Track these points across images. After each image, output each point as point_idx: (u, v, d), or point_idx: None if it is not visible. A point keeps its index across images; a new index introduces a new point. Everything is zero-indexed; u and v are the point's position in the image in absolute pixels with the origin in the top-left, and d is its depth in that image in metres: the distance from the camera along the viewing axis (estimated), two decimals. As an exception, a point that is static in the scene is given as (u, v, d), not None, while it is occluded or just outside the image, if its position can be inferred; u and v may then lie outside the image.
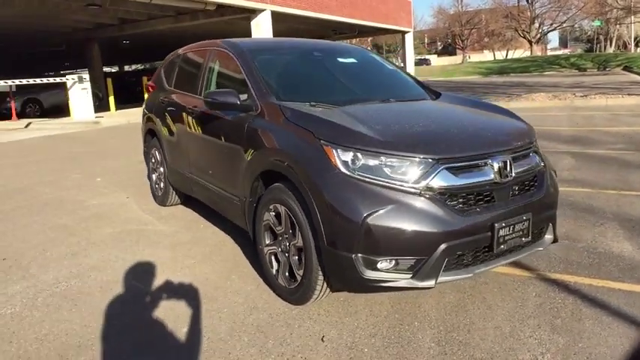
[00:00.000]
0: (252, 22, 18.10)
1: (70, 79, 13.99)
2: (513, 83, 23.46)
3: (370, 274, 2.50)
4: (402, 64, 33.16)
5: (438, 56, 72.88)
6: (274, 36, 19.02)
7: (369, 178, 2.52)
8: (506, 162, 2.69)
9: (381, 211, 2.46)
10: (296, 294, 2.89)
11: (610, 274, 3.26)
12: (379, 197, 2.49)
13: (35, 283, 3.45)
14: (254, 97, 3.31)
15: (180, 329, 2.77)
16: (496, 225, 2.58)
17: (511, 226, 2.65)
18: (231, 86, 3.63)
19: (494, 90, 19.05)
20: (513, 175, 2.72)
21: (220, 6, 17.29)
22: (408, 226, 2.45)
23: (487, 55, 63.00)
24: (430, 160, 2.55)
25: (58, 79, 14.85)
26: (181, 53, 4.83)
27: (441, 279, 2.53)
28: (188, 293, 3.21)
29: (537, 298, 3.00)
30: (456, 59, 60.40)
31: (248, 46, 3.81)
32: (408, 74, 4.16)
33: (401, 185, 2.50)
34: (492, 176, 2.65)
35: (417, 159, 2.54)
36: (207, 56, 4.17)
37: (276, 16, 18.79)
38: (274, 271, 3.07)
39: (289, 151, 2.83)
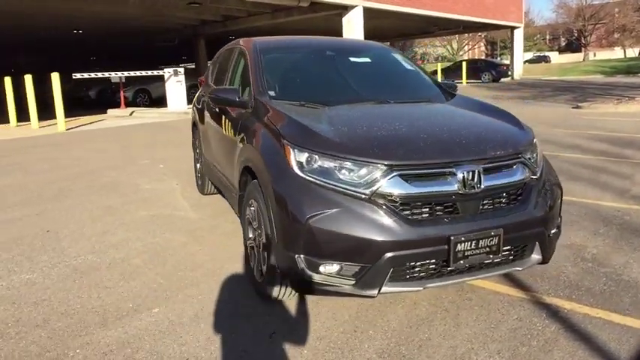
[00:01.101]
0: (343, 19, 18.25)
1: (166, 73, 15.21)
2: (635, 84, 21.08)
3: (313, 277, 2.48)
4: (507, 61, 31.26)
5: (560, 53, 67.36)
6: (367, 33, 19.01)
7: (319, 180, 2.49)
8: (474, 172, 2.50)
9: (326, 214, 2.43)
10: (262, 289, 2.94)
11: (617, 306, 2.88)
12: (326, 200, 2.46)
13: (59, 255, 3.89)
14: (252, 94, 3.41)
15: (150, 310, 2.97)
16: (452, 238, 2.42)
17: (473, 242, 2.46)
18: (244, 83, 3.76)
19: (609, 91, 17.31)
20: (482, 187, 2.52)
21: (313, 3, 17.65)
22: (352, 231, 2.38)
23: (617, 53, 56.83)
24: (382, 166, 2.45)
25: (157, 72, 16.21)
26: (221, 51, 5.08)
27: (385, 289, 2.44)
28: (176, 277, 3.41)
29: (516, 321, 2.75)
30: (579, 57, 55.34)
31: (262, 44, 3.91)
32: (429, 76, 3.98)
33: (350, 189, 2.44)
34: (456, 187, 2.48)
35: (370, 164, 2.46)
36: (233, 54, 4.35)
37: (369, 13, 18.75)
38: (252, 265, 3.15)
39: (259, 149, 2.89)
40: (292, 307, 2.95)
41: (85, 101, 20.56)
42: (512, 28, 30.64)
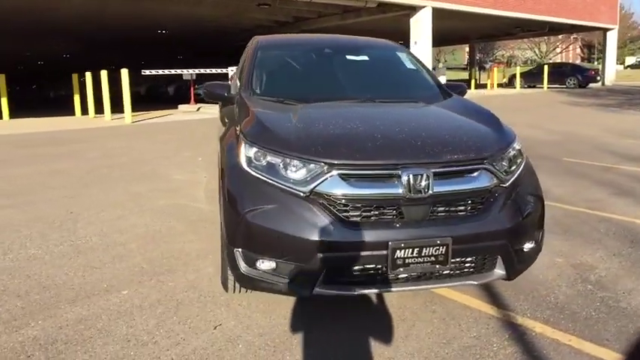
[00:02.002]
0: (411, 20, 17.90)
1: (230, 71, 15.75)
2: None
3: (249, 272, 2.46)
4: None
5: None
6: (440, 34, 18.52)
7: (263, 175, 2.47)
8: (421, 176, 2.35)
9: (263, 209, 2.41)
10: (222, 282, 2.98)
11: (597, 335, 2.58)
12: (266, 195, 2.44)
13: (69, 235, 4.18)
14: (239, 90, 3.46)
15: (119, 291, 3.11)
16: (391, 244, 2.30)
17: (415, 249, 2.32)
18: (241, 79, 3.82)
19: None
20: (430, 192, 2.36)
21: (381, 4, 17.49)
22: (286, 228, 2.34)
23: None
24: (323, 165, 2.38)
25: (223, 71, 16.85)
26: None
27: (318, 290, 2.36)
28: (159, 263, 3.54)
29: (472, 339, 2.55)
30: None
31: (264, 41, 3.96)
32: (432, 76, 3.80)
33: (289, 187, 2.40)
34: (401, 190, 2.35)
35: (311, 162, 2.40)
36: (246, 51, 4.43)
37: (438, 14, 18.24)
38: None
39: (225, 144, 2.92)
40: (251, 302, 2.95)
41: (164, 97, 21.87)
42: (605, 30, 28.36)
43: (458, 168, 2.46)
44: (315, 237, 2.30)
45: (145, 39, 25.41)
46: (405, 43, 19.91)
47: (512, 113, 14.48)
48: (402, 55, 3.97)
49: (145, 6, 16.19)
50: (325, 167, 2.37)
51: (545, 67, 27.35)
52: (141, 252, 3.79)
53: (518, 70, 28.12)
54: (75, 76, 14.62)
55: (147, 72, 14.60)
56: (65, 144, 9.44)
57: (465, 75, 37.07)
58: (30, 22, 19.15)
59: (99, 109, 14.36)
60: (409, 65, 3.87)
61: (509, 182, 2.59)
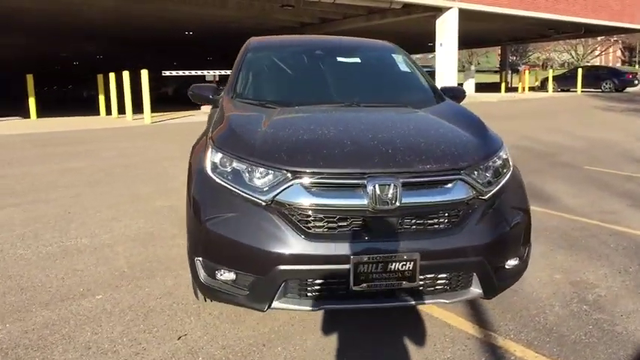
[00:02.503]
0: (437, 21, 17.57)
1: (207, 74, 15.75)
2: None
3: (209, 282, 2.37)
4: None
5: None
6: (468, 36, 18.13)
7: (225, 182, 2.38)
8: (389, 187, 2.21)
9: (222, 218, 2.31)
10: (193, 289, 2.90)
11: (583, 361, 2.38)
12: (227, 203, 2.34)
13: (61, 235, 4.19)
14: (224, 92, 3.39)
15: (94, 295, 3.07)
16: (353, 258, 2.16)
17: (379, 264, 2.17)
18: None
19: None
20: (397, 204, 2.22)
21: (406, 5, 17.25)
22: (243, 238, 2.23)
23: None
24: (285, 172, 2.27)
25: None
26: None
27: (277, 304, 2.25)
28: (140, 267, 3.48)
29: (444, 361, 2.39)
30: None
31: (256, 43, 3.86)
32: (427, 79, 3.63)
33: (250, 195, 2.29)
34: (366, 201, 2.21)
35: (273, 169, 2.29)
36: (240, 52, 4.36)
37: (465, 15, 17.86)
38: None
39: (196, 149, 2.85)
40: (223, 312, 2.86)
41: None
42: (645, 33, 27.20)
43: (430, 178, 2.29)
44: (272, 248, 2.19)
45: (172, 40, 25.84)
46: (432, 44, 19.57)
47: (538, 118, 14.02)
48: (398, 57, 3.81)
49: (171, 8, 16.43)
50: (288, 175, 2.26)
51: (579, 70, 26.42)
52: (126, 255, 3.75)
53: (550, 73, 27.27)
54: (100, 77, 14.94)
55: (167, 73, 14.79)
56: (83, 143, 9.62)
57: (497, 78, 36.22)
58: (62, 23, 19.75)
59: (122, 110, 14.61)
60: (403, 68, 3.70)
61: (490, 194, 2.41)
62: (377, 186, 2.20)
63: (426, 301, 2.32)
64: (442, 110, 3.10)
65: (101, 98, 15.08)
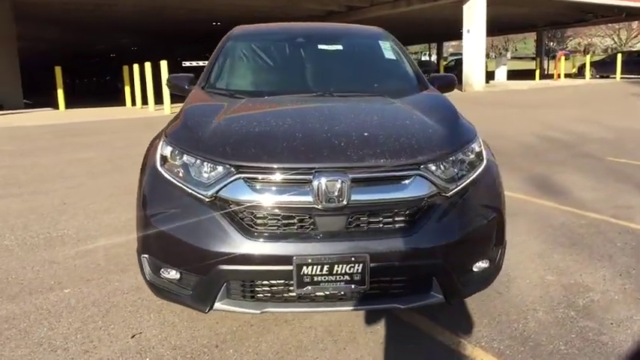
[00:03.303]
0: (464, 6, 16.98)
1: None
2: None
3: (154, 280, 2.27)
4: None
5: None
6: (499, 21, 17.49)
7: (172, 176, 2.27)
8: (336, 183, 2.04)
9: (167, 214, 2.20)
10: None
11: (555, 375, 2.17)
12: (171, 199, 2.23)
13: (50, 227, 4.21)
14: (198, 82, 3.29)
15: (62, 290, 3.04)
16: (295, 259, 2.02)
17: (325, 266, 2.02)
18: None
19: None
20: (345, 202, 2.05)
21: (432, -10, 16.76)
22: (184, 235, 2.12)
23: None
24: (228, 167, 2.13)
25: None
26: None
27: (219, 306, 2.13)
28: (116, 261, 3.44)
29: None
30: None
31: (238, 31, 3.73)
32: (413, 67, 3.41)
33: (194, 190, 2.18)
34: (312, 198, 2.06)
35: (216, 163, 2.16)
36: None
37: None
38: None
39: (152, 142, 2.75)
40: (184, 308, 2.76)
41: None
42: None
43: (383, 174, 2.11)
44: (212, 247, 2.06)
45: (201, 32, 26.03)
46: (459, 31, 18.97)
47: (569, 106, 13.39)
48: (385, 44, 3.59)
49: None
50: (231, 169, 2.13)
51: (619, 56, 25.12)
52: (107, 248, 3.72)
53: (588, 59, 26.07)
54: (125, 69, 15.18)
55: (187, 64, 14.88)
56: (99, 134, 9.75)
57: (533, 65, 34.95)
58: (96, 17, 20.18)
59: (146, 100, 14.80)
60: (388, 55, 3.49)
61: (454, 191, 2.21)
62: (323, 182, 2.04)
63: (378, 306, 2.16)
64: (418, 100, 2.90)
65: (127, 89, 15.34)
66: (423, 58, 54.20)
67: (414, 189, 2.13)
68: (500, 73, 25.25)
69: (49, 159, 7.21)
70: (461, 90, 19.24)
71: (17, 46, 16.87)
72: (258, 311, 2.11)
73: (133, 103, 15.33)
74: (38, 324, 2.66)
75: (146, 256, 2.28)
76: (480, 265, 2.30)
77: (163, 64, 12.78)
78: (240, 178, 2.10)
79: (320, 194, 2.04)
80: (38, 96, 18.90)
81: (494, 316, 2.67)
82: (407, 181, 2.14)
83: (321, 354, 2.34)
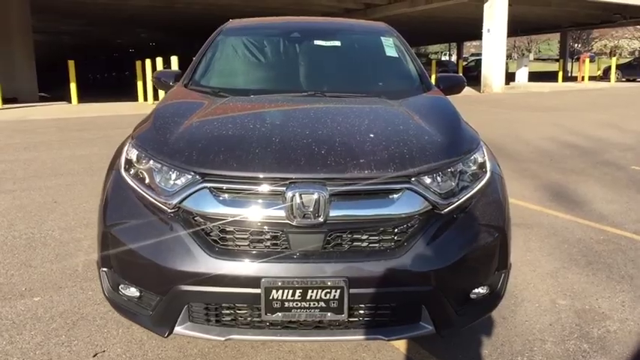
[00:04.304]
0: (485, 5, 16.52)
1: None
2: None
3: (113, 296, 2.05)
4: None
5: None
6: (519, 21, 16.98)
7: (135, 183, 2.04)
8: (312, 196, 1.79)
9: (125, 225, 1.98)
10: None
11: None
12: (133, 207, 2.00)
13: (36, 226, 4.02)
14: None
15: (32, 297, 2.84)
16: (264, 281, 1.77)
17: (297, 291, 1.77)
18: None
19: None
20: (322, 218, 1.80)
21: (452, -12, 16.34)
22: (143, 250, 1.88)
23: None
24: (193, 175, 1.90)
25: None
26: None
27: (179, 330, 1.89)
28: (94, 267, 3.22)
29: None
30: None
31: (231, 25, 3.50)
32: (417, 67, 3.13)
33: (156, 200, 1.94)
34: (284, 213, 1.81)
35: (180, 170, 1.92)
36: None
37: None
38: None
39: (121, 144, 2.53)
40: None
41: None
42: None
43: (367, 187, 1.85)
44: (173, 265, 1.82)
45: (215, 27, 25.95)
46: (480, 31, 18.50)
47: (591, 110, 12.89)
48: (387, 41, 3.31)
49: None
50: (196, 177, 1.89)
51: (646, 59, 24.32)
52: (89, 252, 3.52)
53: (613, 62, 25.27)
54: (138, 64, 15.09)
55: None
56: (104, 129, 9.63)
57: (557, 67, 34.10)
58: (111, 11, 20.23)
59: (157, 96, 14.70)
60: (390, 52, 3.21)
61: (450, 208, 1.94)
62: (298, 195, 1.79)
63: (358, 337, 1.89)
64: (418, 103, 2.63)
65: (139, 84, 15.26)
66: (443, 58, 53.49)
67: (403, 205, 1.86)
68: (522, 74, 24.64)
69: (48, 154, 7.08)
70: (479, 91, 18.78)
71: (36, 40, 16.97)
72: (223, 338, 1.87)
73: (145, 98, 15.24)
74: (-2, 336, 2.46)
75: (105, 269, 2.06)
76: (479, 291, 2.02)
77: (174, 59, 12.65)
78: (205, 187, 1.86)
79: (294, 209, 1.79)
80: (56, 89, 18.97)
81: (496, 345, 2.39)
82: (395, 196, 1.87)
83: (296, 384, 2.10)
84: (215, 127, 2.15)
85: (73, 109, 13.62)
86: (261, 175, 1.84)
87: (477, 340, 2.43)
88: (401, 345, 2.36)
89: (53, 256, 3.46)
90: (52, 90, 19.07)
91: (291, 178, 1.82)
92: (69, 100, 15.30)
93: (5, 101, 13.95)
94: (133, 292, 1.99)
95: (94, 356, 2.30)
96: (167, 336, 1.91)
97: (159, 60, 13.38)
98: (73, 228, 4.01)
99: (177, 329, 1.89)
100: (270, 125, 2.16)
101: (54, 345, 2.39)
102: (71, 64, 14.54)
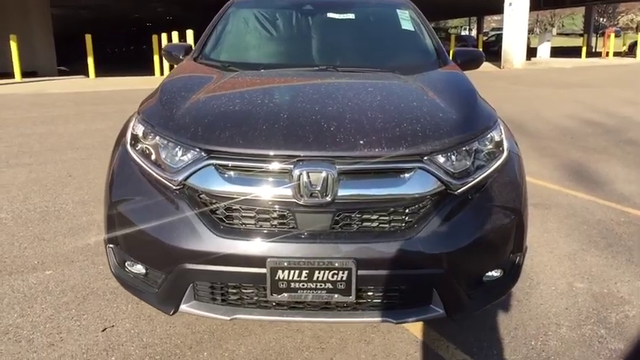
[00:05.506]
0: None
1: None
2: None
3: (119, 273, 2.03)
4: None
5: None
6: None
7: (141, 159, 2.00)
8: (320, 175, 1.73)
9: (130, 201, 1.95)
10: None
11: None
12: (139, 184, 1.96)
13: (50, 200, 4.05)
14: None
15: (44, 271, 2.87)
16: (269, 261, 1.73)
17: (303, 271, 1.72)
18: None
19: None
20: (330, 197, 1.74)
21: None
22: (149, 227, 1.85)
23: None
24: (198, 151, 1.85)
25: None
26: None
27: (184, 308, 1.87)
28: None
29: (394, 391, 1.94)
30: None
31: None
32: (433, 40, 3.00)
33: (161, 176, 1.90)
34: (291, 192, 1.75)
35: (185, 146, 1.88)
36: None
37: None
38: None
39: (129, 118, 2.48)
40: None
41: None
42: None
43: (377, 166, 1.78)
44: (177, 243, 1.79)
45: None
46: (501, 4, 17.92)
47: (615, 87, 12.48)
48: (403, 14, 3.17)
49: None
50: (202, 154, 1.84)
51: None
52: (101, 226, 3.45)
53: (639, 37, 24.36)
54: (154, 38, 15.02)
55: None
56: (120, 103, 9.63)
57: (580, 42, 33.03)
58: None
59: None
60: (406, 26, 3.07)
61: (464, 188, 1.86)
62: (305, 173, 1.73)
63: (366, 319, 1.84)
64: (433, 78, 2.52)
65: (155, 58, 15.22)
66: (462, 33, 52.23)
67: (414, 185, 1.79)
68: (544, 49, 23.92)
69: (64, 128, 7.12)
70: (499, 67, 18.30)
71: (55, 14, 16.95)
72: (228, 318, 1.85)
73: (162, 72, 15.21)
74: (10, 309, 2.48)
75: (111, 246, 2.04)
76: (492, 275, 1.96)
77: (189, 33, 12.53)
78: (210, 164, 1.81)
79: (301, 187, 1.73)
80: (75, 63, 19.04)
81: (509, 329, 2.34)
82: (406, 175, 1.80)
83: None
84: (222, 103, 2.08)
85: (90, 83, 13.67)
86: (267, 153, 1.78)
87: (489, 323, 2.38)
88: (411, 326, 2.32)
89: (66, 229, 3.48)
90: (71, 64, 19.14)
91: (299, 156, 1.76)
92: (87, 74, 15.36)
93: (25, 75, 14.07)
94: (139, 269, 1.97)
95: (103, 331, 2.31)
96: (172, 314, 1.90)
97: (174, 34, 13.28)
98: (86, 202, 4.03)
99: (183, 307, 1.87)
100: (279, 101, 2.09)
101: (64, 319, 2.40)
102: (88, 38, 14.52)
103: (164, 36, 14.45)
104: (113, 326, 2.34)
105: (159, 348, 2.18)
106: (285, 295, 1.76)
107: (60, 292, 2.64)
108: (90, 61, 14.85)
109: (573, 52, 27.66)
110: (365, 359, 2.11)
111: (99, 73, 15.27)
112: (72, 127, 7.15)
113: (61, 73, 16.75)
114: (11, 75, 13.85)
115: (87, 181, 4.59)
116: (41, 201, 4.05)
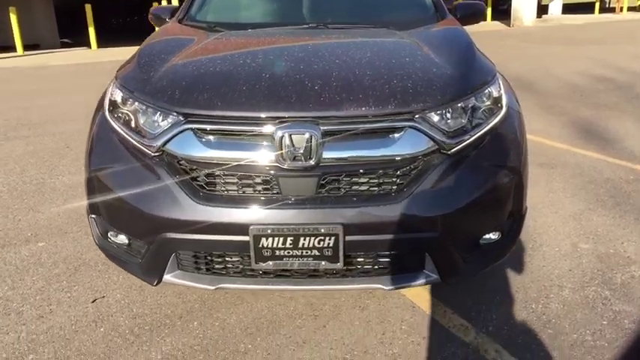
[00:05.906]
0: None
1: None
2: None
3: (102, 243, 1.98)
4: None
5: None
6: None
7: (119, 126, 1.91)
8: (303, 136, 1.63)
9: (110, 169, 1.87)
10: None
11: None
12: (117, 151, 1.89)
13: (46, 171, 4.00)
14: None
15: (37, 243, 2.83)
16: (252, 229, 1.65)
17: (288, 238, 1.65)
18: None
19: None
20: (314, 160, 1.64)
21: None
22: (128, 196, 1.78)
23: None
24: (176, 115, 1.75)
25: None
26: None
27: (168, 278, 1.82)
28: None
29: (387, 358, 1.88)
30: None
31: None
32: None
33: (139, 143, 1.82)
34: (274, 155, 1.66)
35: (162, 110, 1.78)
36: None
37: None
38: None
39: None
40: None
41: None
42: None
43: (364, 126, 1.67)
44: (157, 211, 1.72)
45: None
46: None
47: (627, 43, 12.02)
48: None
49: None
50: (179, 118, 1.74)
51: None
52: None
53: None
54: (155, 5, 14.69)
55: None
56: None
57: (594, -3, 31.78)
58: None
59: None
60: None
61: (458, 147, 1.75)
62: (287, 135, 1.63)
63: (356, 286, 1.77)
64: (429, 33, 2.37)
65: (156, 28, 14.93)
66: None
67: (405, 145, 1.68)
68: (555, 6, 23.07)
69: (64, 100, 7.02)
70: (508, 25, 17.72)
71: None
72: (213, 287, 1.79)
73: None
74: (1, 282, 2.45)
75: (93, 216, 1.98)
76: (490, 237, 1.87)
77: None
78: (189, 128, 1.72)
79: (284, 150, 1.63)
80: (79, 35, 18.76)
81: (509, 292, 2.27)
82: (396, 135, 1.69)
83: (295, 332, 2.02)
84: (202, 64, 1.97)
85: (91, 55, 13.48)
86: (247, 115, 1.68)
87: (488, 286, 2.30)
88: (407, 292, 2.26)
89: (61, 201, 3.43)
90: (75, 35, 18.86)
91: (281, 117, 1.66)
92: (89, 46, 15.14)
93: (27, 48, 13.89)
94: (122, 239, 1.91)
95: (93, 302, 2.28)
96: (156, 284, 1.84)
97: (175, 1, 12.94)
98: (82, 173, 3.95)
99: (167, 277, 1.82)
100: (262, 61, 1.97)
101: (54, 290, 2.37)
102: (88, 8, 14.23)
103: (164, 3, 14.12)
104: (104, 297, 2.31)
105: (148, 318, 2.15)
106: (270, 263, 1.69)
107: (52, 264, 2.61)
108: (91, 31, 14.60)
109: (586, 8, 26.66)
110: (359, 326, 2.06)
111: (102, 44, 15.05)
112: (70, 99, 7.05)
113: (65, 45, 16.52)
114: (13, 48, 13.69)
115: (84, 152, 4.51)
116: (37, 173, 4.00)
